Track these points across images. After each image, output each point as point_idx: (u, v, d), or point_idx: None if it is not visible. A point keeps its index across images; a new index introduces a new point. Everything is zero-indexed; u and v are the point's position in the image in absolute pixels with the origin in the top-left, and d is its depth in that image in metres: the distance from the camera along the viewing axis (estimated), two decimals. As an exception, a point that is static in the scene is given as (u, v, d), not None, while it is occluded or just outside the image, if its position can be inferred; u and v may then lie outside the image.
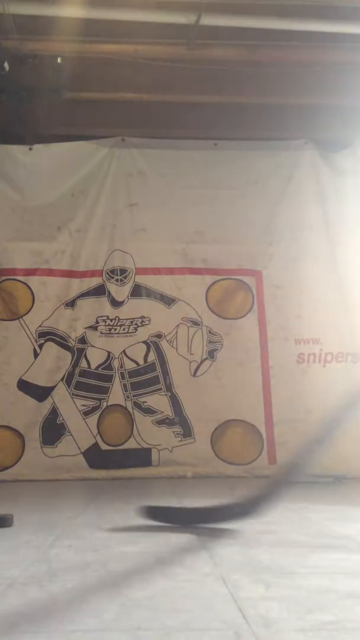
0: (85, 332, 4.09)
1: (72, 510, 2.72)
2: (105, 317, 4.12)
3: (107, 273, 4.15)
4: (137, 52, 3.77)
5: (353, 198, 4.20)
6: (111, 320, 4.12)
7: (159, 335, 4.11)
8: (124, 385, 4.06)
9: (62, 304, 4.10)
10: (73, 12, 3.44)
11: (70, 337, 4.08)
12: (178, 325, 4.13)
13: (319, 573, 1.61)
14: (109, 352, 4.09)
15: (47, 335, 4.07)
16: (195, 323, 4.14)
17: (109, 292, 4.14)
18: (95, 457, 3.95)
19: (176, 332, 4.12)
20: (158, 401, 4.05)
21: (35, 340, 4.06)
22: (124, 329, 4.11)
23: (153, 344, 4.10)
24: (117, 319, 4.12)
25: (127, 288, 4.16)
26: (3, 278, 4.12)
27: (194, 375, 4.08)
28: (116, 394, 4.05)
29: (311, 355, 4.10)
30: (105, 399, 4.04)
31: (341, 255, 4.17)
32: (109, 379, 4.06)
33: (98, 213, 4.18)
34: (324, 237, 4.19)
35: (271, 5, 3.40)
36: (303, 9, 3.41)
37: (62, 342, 4.07)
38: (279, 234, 4.16)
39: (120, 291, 4.16)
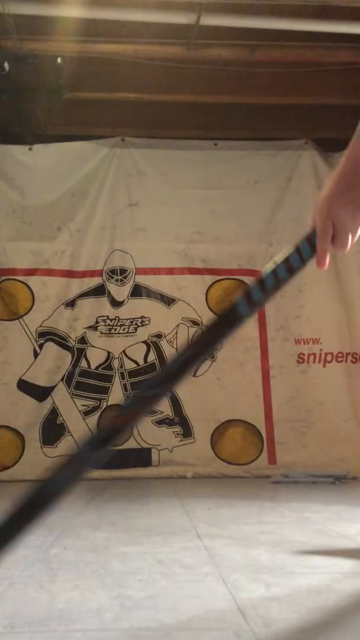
0: (85, 332, 4.09)
1: (72, 510, 2.72)
2: (105, 317, 4.12)
3: (107, 273, 4.16)
4: (137, 52, 3.77)
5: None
6: (111, 320, 4.12)
7: (159, 335, 4.11)
8: (124, 385, 4.06)
9: (62, 304, 4.10)
10: (73, 12, 3.44)
11: (70, 337, 4.08)
12: (178, 325, 4.13)
13: (319, 573, 1.61)
14: (109, 352, 4.09)
15: (47, 335, 4.07)
16: (195, 323, 4.14)
17: (109, 292, 4.15)
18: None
19: (176, 332, 4.12)
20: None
21: (35, 341, 4.06)
22: (124, 329, 4.11)
23: (153, 344, 4.11)
24: (117, 319, 4.12)
25: (127, 288, 4.16)
26: (3, 278, 4.12)
27: (194, 375, 4.08)
28: (116, 394, 4.05)
29: (311, 355, 4.10)
30: (105, 399, 4.04)
31: (341, 255, 4.17)
32: (109, 379, 4.06)
33: (98, 213, 4.19)
34: (324, 237, 4.18)
35: (271, 5, 3.41)
36: (303, 9, 3.41)
37: (62, 342, 4.07)
38: (279, 234, 4.16)
39: (120, 291, 4.16)
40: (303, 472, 3.77)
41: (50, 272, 4.13)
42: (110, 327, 4.11)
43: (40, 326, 4.07)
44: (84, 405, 4.02)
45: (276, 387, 4.06)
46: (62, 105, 4.06)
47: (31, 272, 4.13)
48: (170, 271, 4.19)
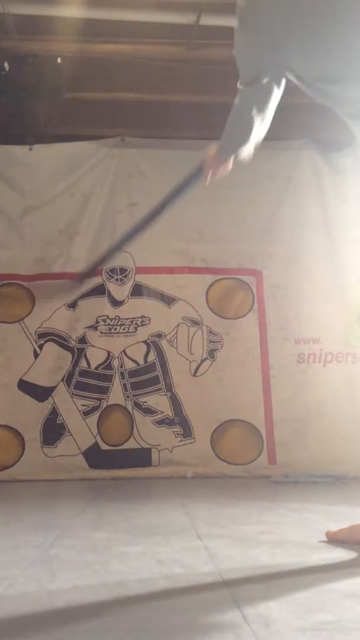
0: (85, 332, 4.09)
1: (72, 510, 2.72)
2: (105, 317, 4.12)
3: (107, 272, 4.15)
4: (137, 52, 3.77)
5: (353, 198, 4.19)
6: (111, 320, 4.12)
7: (159, 335, 4.11)
8: (124, 385, 4.06)
9: (62, 305, 4.10)
10: (73, 12, 3.45)
11: (70, 337, 4.08)
12: (178, 325, 4.13)
13: (319, 573, 1.61)
14: (109, 352, 4.09)
15: (47, 336, 4.07)
16: (196, 323, 4.14)
17: (109, 292, 4.14)
18: (95, 457, 3.95)
19: (176, 332, 4.12)
20: (158, 401, 4.05)
21: (36, 342, 4.06)
22: (124, 329, 4.11)
23: (153, 343, 4.11)
24: (117, 318, 4.12)
25: (127, 288, 4.16)
26: (4, 282, 4.12)
27: (194, 375, 4.09)
28: (116, 394, 4.05)
29: (311, 355, 4.10)
30: (105, 398, 4.04)
31: (341, 255, 4.17)
32: (109, 378, 4.06)
33: (98, 213, 4.18)
34: (324, 237, 4.19)
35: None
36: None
37: (62, 342, 4.07)
38: (279, 233, 4.16)
39: (120, 291, 4.16)
40: (303, 472, 3.77)
41: (51, 274, 4.12)
42: (111, 326, 4.11)
43: (40, 327, 4.07)
44: (83, 405, 4.02)
45: (276, 387, 4.06)
46: (62, 105, 4.06)
47: (32, 274, 4.12)
48: (171, 270, 4.19)
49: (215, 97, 4.10)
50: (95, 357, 4.08)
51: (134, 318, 4.12)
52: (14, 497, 3.37)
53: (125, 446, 3.98)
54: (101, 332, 4.10)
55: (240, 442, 4.01)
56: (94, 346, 4.08)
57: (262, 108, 2.10)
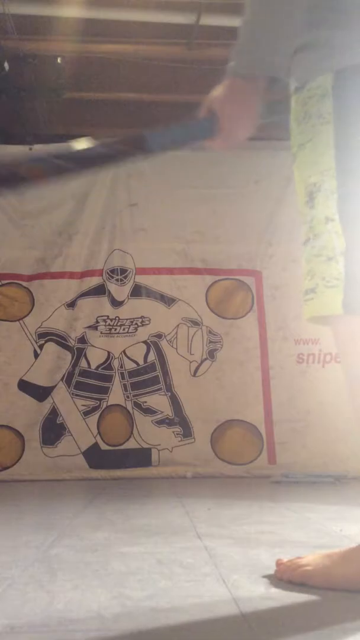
0: (85, 332, 4.09)
1: (72, 510, 2.72)
2: (105, 317, 4.12)
3: (107, 273, 4.16)
4: (137, 52, 3.78)
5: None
6: (111, 320, 4.12)
7: (159, 335, 4.11)
8: (124, 385, 4.06)
9: (62, 305, 4.10)
10: (73, 12, 3.45)
11: (70, 337, 4.08)
12: (178, 325, 4.13)
13: (319, 573, 1.60)
14: (109, 352, 4.09)
15: (47, 336, 4.07)
16: (195, 323, 4.14)
17: (109, 292, 4.15)
18: (95, 457, 3.96)
19: (176, 332, 4.12)
20: (158, 401, 4.05)
21: (36, 342, 4.06)
22: (124, 329, 4.11)
23: (153, 344, 4.11)
24: (117, 318, 4.12)
25: (127, 288, 4.16)
26: (3, 282, 4.12)
27: (194, 375, 4.09)
28: (116, 394, 4.06)
29: (310, 355, 4.10)
30: (105, 399, 4.05)
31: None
32: (109, 379, 4.06)
33: (98, 213, 4.19)
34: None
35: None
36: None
37: (62, 342, 4.07)
38: (279, 234, 4.17)
39: (120, 291, 4.16)
40: (303, 472, 3.77)
41: (50, 274, 4.13)
42: (110, 327, 4.11)
43: (40, 327, 4.07)
44: (83, 405, 4.02)
45: (276, 387, 4.07)
46: (62, 105, 4.07)
47: (32, 274, 4.13)
48: (170, 271, 4.19)
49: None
50: (95, 357, 4.08)
51: (133, 318, 4.12)
52: (14, 497, 3.37)
53: (125, 446, 3.99)
54: (101, 332, 4.10)
55: (240, 442, 4.01)
56: (94, 346, 4.09)
57: None
